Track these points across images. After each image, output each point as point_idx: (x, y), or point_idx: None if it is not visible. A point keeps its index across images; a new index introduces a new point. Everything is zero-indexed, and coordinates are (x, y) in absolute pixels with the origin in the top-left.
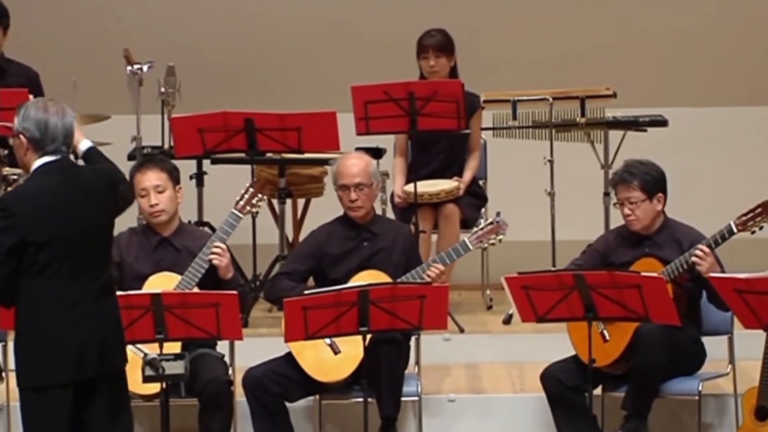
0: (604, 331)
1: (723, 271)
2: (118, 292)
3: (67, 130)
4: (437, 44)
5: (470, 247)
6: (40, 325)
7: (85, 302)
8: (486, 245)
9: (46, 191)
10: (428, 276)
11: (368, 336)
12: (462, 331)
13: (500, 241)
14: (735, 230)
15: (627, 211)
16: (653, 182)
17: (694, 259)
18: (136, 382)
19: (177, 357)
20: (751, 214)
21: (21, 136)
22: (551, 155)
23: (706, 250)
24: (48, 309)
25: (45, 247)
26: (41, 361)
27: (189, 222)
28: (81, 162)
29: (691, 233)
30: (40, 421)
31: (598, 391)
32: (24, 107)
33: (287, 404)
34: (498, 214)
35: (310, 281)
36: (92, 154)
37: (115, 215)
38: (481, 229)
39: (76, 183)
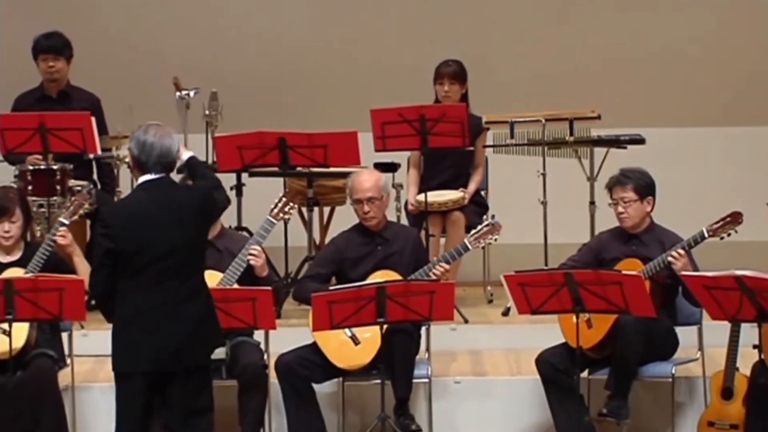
0: (590, 318)
1: (696, 270)
2: None
3: (162, 150)
4: (452, 73)
5: (470, 246)
6: (129, 321)
7: (170, 304)
8: (483, 244)
9: (138, 206)
10: (434, 274)
11: (385, 326)
12: (466, 321)
13: (495, 240)
14: (706, 236)
15: (620, 209)
16: (645, 186)
17: (669, 259)
18: None
19: (219, 344)
20: (722, 222)
21: (129, 155)
22: (544, 169)
23: (681, 252)
24: (136, 308)
25: (134, 255)
26: (125, 352)
27: (230, 227)
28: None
29: (673, 237)
30: (125, 401)
31: (585, 374)
32: (135, 130)
33: (314, 386)
34: (493, 216)
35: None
36: (192, 162)
37: (209, 224)
38: (479, 230)
39: (168, 199)
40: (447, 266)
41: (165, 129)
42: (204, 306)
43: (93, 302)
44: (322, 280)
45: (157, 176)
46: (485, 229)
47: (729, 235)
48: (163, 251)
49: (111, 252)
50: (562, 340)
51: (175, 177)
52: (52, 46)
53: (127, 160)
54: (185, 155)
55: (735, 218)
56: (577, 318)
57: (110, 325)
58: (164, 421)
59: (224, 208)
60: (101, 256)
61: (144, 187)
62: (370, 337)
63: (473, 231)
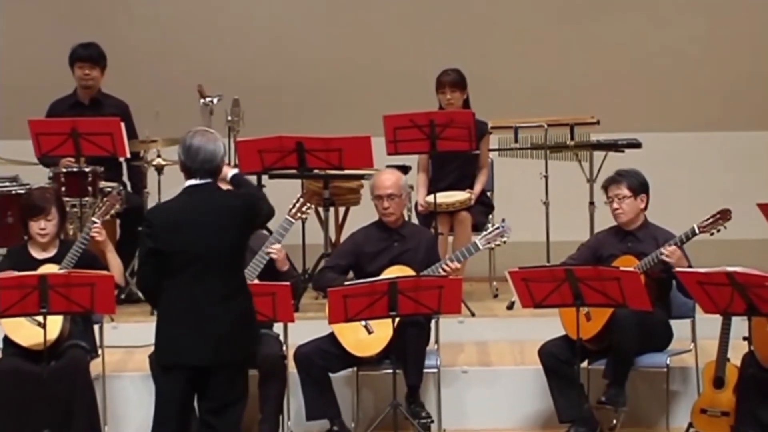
0: (589, 312)
1: (690, 265)
2: None
3: (207, 154)
4: (452, 81)
5: (480, 247)
6: (170, 317)
7: (209, 302)
8: (493, 246)
9: (180, 209)
10: (444, 271)
11: (397, 319)
12: (473, 315)
13: (504, 242)
14: (697, 232)
15: (615, 205)
16: (638, 184)
17: (662, 256)
18: None
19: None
20: (712, 220)
21: (178, 159)
22: (546, 171)
23: (673, 248)
24: (177, 305)
25: (174, 254)
26: (166, 346)
27: None
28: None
29: (666, 234)
30: (164, 391)
31: (584, 364)
32: (183, 135)
33: (330, 374)
34: (503, 220)
35: (350, 274)
36: (237, 178)
37: (251, 230)
38: (489, 232)
39: (210, 204)
40: (458, 265)
41: (211, 135)
42: (242, 306)
43: (122, 296)
44: (341, 271)
45: (201, 181)
46: (495, 231)
47: (719, 231)
48: (202, 252)
49: (153, 251)
50: (563, 333)
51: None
52: (90, 55)
53: (154, 162)
54: (230, 174)
55: (724, 215)
56: (578, 311)
57: (138, 319)
58: (201, 410)
59: (269, 218)
60: (145, 254)
61: (188, 191)
62: (383, 327)
63: (484, 233)
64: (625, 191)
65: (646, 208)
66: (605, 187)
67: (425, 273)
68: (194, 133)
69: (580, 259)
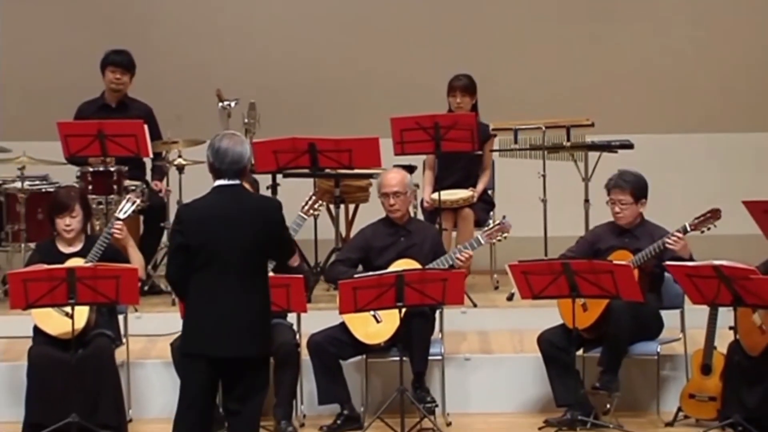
0: (586, 303)
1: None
2: None
3: (234, 156)
4: (463, 86)
5: (482, 242)
6: (196, 309)
7: (230, 296)
8: (494, 241)
9: (208, 207)
10: (459, 259)
11: (403, 309)
12: (475, 306)
13: (505, 238)
14: (689, 230)
15: (617, 209)
16: (641, 190)
17: (669, 244)
18: None
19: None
20: (702, 218)
21: (207, 161)
22: (544, 171)
23: (679, 235)
24: (202, 298)
25: (201, 249)
26: (191, 336)
27: None
28: None
29: (662, 231)
30: (187, 378)
31: (580, 352)
32: (212, 138)
33: (341, 362)
34: (504, 217)
35: (359, 267)
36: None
37: (268, 232)
38: (491, 228)
39: (237, 203)
40: (471, 252)
41: (238, 138)
42: (262, 302)
43: (146, 288)
44: (351, 265)
45: (230, 182)
46: (496, 227)
47: (709, 229)
48: (226, 248)
49: (182, 246)
50: (561, 322)
51: None
52: (122, 61)
53: (176, 162)
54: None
55: (714, 214)
56: (573, 303)
57: (160, 309)
58: (226, 398)
59: (290, 252)
60: (174, 249)
61: (217, 190)
62: (391, 317)
63: (485, 228)
64: (629, 197)
65: (644, 209)
66: (609, 189)
67: (433, 265)
68: (222, 136)
69: (578, 251)
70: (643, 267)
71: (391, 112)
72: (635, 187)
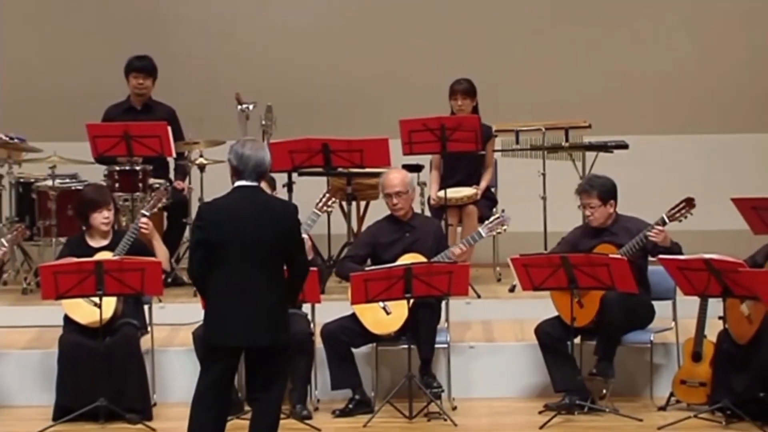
0: (581, 300)
1: (676, 244)
2: None
3: (257, 160)
4: (464, 90)
5: (483, 235)
6: (216, 302)
7: (247, 291)
8: (494, 234)
9: (228, 205)
10: (453, 252)
11: (411, 300)
12: (479, 297)
13: (505, 230)
14: (667, 221)
15: (588, 212)
16: (607, 192)
17: (651, 238)
18: None
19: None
20: (678, 208)
21: (229, 165)
22: (544, 170)
23: (659, 228)
24: (222, 291)
25: (220, 245)
26: (213, 328)
27: None
28: None
29: (637, 222)
30: (207, 363)
31: (577, 340)
32: (234, 144)
33: (352, 350)
34: (503, 211)
35: (368, 262)
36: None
37: (284, 231)
38: (491, 221)
39: (256, 203)
40: (464, 248)
41: (259, 143)
42: (277, 297)
43: (169, 280)
44: (359, 260)
45: (250, 183)
46: (496, 221)
47: (686, 218)
48: (244, 244)
49: (202, 241)
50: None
51: None
52: (144, 66)
53: (197, 162)
54: None
55: (689, 203)
56: (572, 294)
57: (183, 300)
58: (249, 386)
59: (304, 271)
60: (195, 245)
61: (237, 189)
62: (399, 307)
63: (486, 222)
64: (596, 201)
65: (615, 210)
66: (578, 193)
67: (435, 259)
68: (245, 143)
69: (562, 251)
70: (630, 258)
71: (400, 115)
72: (601, 191)
